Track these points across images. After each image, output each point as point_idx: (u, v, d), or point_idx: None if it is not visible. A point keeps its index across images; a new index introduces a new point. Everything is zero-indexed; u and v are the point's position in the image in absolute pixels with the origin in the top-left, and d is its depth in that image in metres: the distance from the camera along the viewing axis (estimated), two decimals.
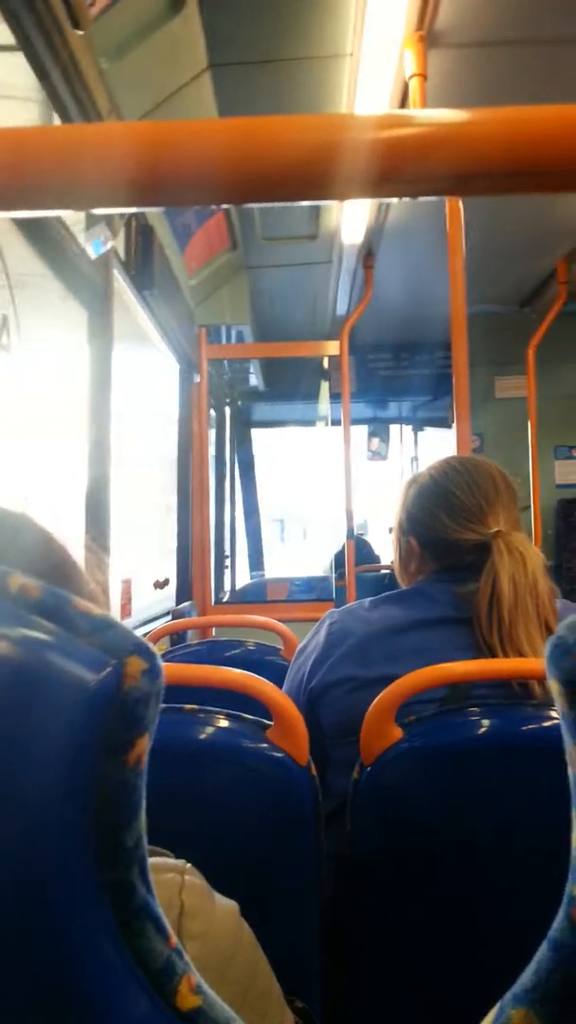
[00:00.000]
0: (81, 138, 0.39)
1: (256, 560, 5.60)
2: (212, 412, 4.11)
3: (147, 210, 0.40)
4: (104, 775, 0.30)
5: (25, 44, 1.38)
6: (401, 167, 0.37)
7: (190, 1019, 0.32)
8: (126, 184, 0.38)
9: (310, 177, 0.37)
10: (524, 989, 0.31)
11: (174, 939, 0.33)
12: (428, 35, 1.87)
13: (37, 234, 1.56)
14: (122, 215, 1.98)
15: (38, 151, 0.38)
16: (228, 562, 4.95)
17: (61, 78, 1.51)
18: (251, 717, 0.98)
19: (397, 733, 0.95)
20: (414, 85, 1.86)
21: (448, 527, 1.18)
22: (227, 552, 4.90)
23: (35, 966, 0.30)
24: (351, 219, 2.85)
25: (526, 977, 0.32)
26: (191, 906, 0.53)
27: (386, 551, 5.40)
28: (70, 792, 0.30)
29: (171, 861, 0.57)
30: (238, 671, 0.96)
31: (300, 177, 0.37)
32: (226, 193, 0.39)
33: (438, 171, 0.37)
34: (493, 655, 1.06)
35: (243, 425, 5.44)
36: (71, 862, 0.30)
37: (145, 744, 0.31)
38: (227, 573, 4.90)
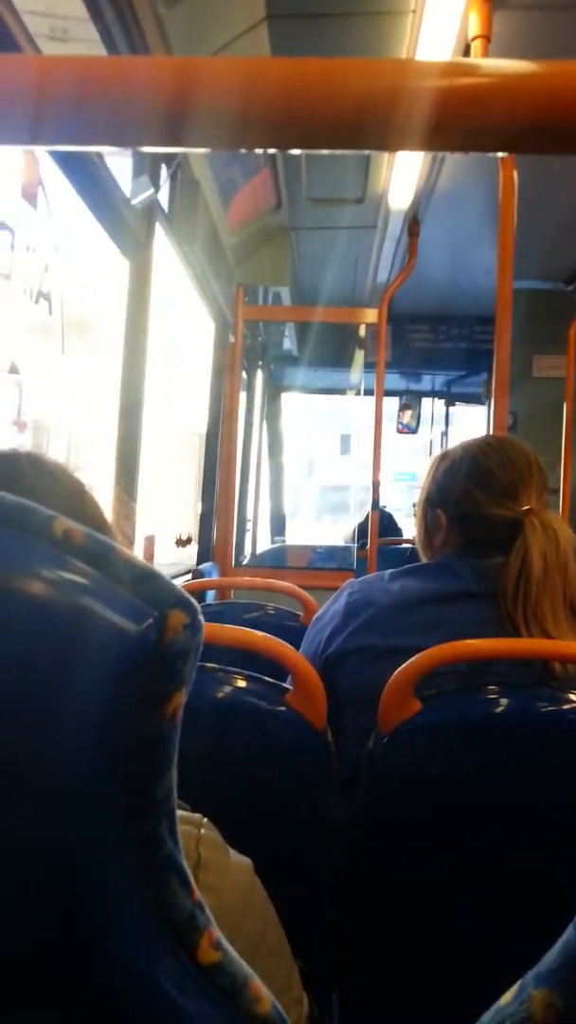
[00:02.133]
0: (131, 71, 0.37)
1: (278, 526, 5.60)
2: (244, 374, 4.08)
3: (194, 151, 0.39)
4: (140, 726, 0.30)
5: None
6: (459, 118, 0.35)
7: (209, 973, 0.32)
8: (174, 122, 0.36)
9: (365, 124, 0.36)
10: (548, 970, 0.31)
11: (197, 893, 0.33)
12: None
13: (83, 181, 1.54)
14: (168, 166, 1.95)
15: (85, 80, 0.36)
16: (250, 525, 4.95)
17: (115, 19, 1.48)
18: (271, 680, 0.98)
19: (416, 706, 0.94)
20: (476, 47, 1.80)
21: (480, 502, 1.17)
22: (250, 515, 4.90)
23: (62, 911, 0.30)
24: (399, 183, 2.79)
25: (550, 958, 0.31)
26: (207, 859, 0.54)
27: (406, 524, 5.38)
28: (105, 741, 0.30)
29: (188, 814, 0.57)
30: (261, 633, 0.96)
31: (355, 123, 0.36)
32: (274, 137, 0.37)
33: (499, 125, 0.35)
34: (516, 630, 1.06)
35: (274, 389, 5.40)
36: (103, 810, 0.30)
37: (181, 698, 0.31)
38: (248, 536, 4.91)
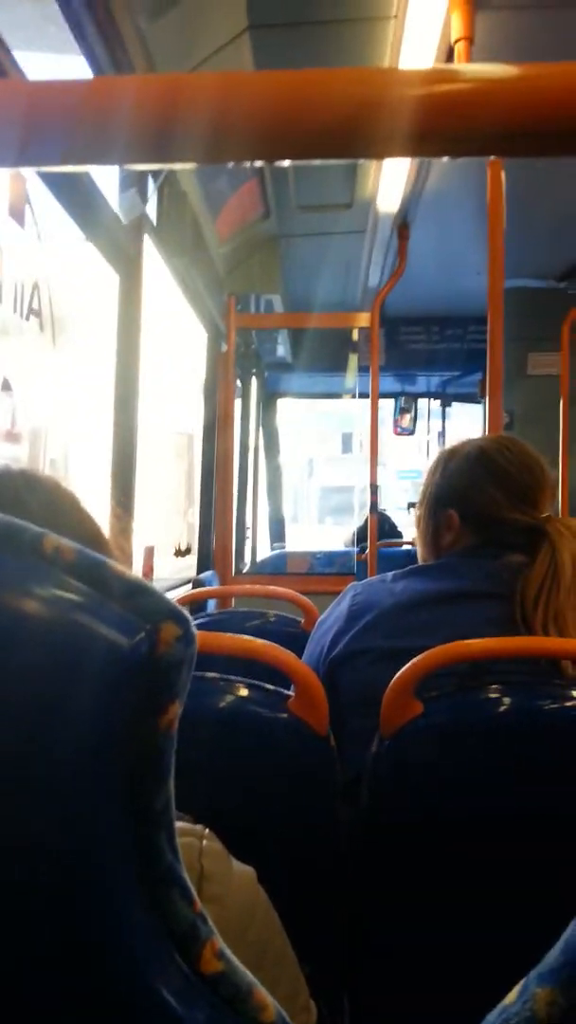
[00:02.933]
0: (113, 90, 0.38)
1: (277, 532, 5.60)
2: (238, 382, 4.09)
3: (180, 167, 0.39)
4: (135, 739, 0.30)
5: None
6: (444, 124, 0.35)
7: (212, 983, 0.32)
8: (161, 139, 0.37)
9: (351, 133, 0.36)
10: (551, 968, 0.31)
11: (198, 904, 0.33)
12: None
13: (71, 197, 1.54)
14: (155, 179, 1.96)
15: (71, 103, 0.37)
16: (249, 533, 4.95)
17: (97, 35, 1.49)
18: (272, 687, 0.98)
19: (417, 708, 0.94)
20: (460, 49, 1.80)
21: (501, 504, 1.17)
22: (248, 523, 4.90)
23: (63, 926, 0.30)
24: (388, 187, 2.80)
25: (553, 957, 0.31)
26: (210, 870, 0.54)
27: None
28: (101, 755, 0.30)
29: (190, 825, 0.57)
30: (262, 641, 0.96)
31: (340, 133, 0.36)
32: (263, 150, 0.38)
33: (483, 129, 0.36)
34: (530, 631, 1.05)
35: (269, 396, 5.41)
36: (101, 824, 0.30)
37: (176, 710, 0.31)
38: (248, 544, 4.91)
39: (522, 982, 0.33)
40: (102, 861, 0.30)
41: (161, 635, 0.30)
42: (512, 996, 0.33)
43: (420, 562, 1.28)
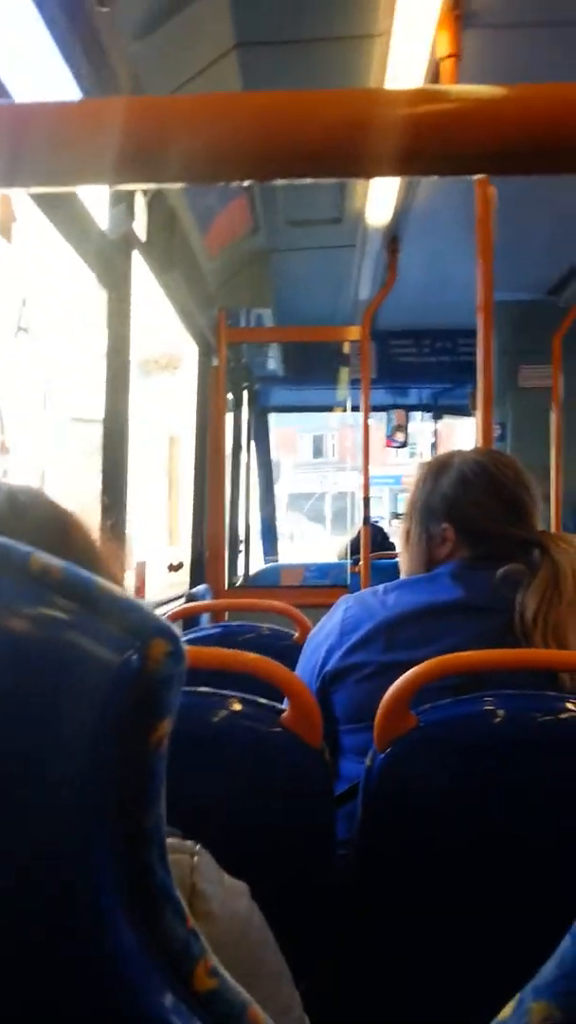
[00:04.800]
0: (101, 112, 0.38)
1: (270, 546, 5.60)
2: (230, 396, 4.09)
3: (169, 187, 0.39)
4: (126, 757, 0.30)
5: (48, 18, 1.37)
6: (432, 144, 0.36)
7: (206, 1001, 0.32)
8: (148, 160, 0.37)
9: (338, 153, 0.37)
10: (546, 982, 0.31)
11: (191, 921, 0.33)
12: (463, 14, 1.82)
13: (59, 215, 1.55)
14: (144, 195, 1.97)
15: (59, 124, 0.37)
16: (243, 547, 4.95)
17: (83, 55, 1.50)
18: (266, 701, 0.98)
19: (412, 721, 0.94)
20: (447, 67, 1.82)
21: (499, 520, 1.17)
22: (242, 537, 4.90)
23: (54, 946, 0.30)
24: (377, 201, 2.82)
25: (548, 970, 0.31)
26: (201, 887, 0.53)
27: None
28: (92, 773, 0.30)
29: (180, 842, 0.57)
30: (255, 655, 0.96)
31: (328, 153, 0.37)
32: (251, 170, 0.38)
33: (470, 148, 0.36)
34: (528, 642, 1.05)
35: (260, 410, 5.43)
36: (92, 842, 0.30)
37: (167, 727, 0.31)
38: (241, 558, 4.90)
39: (517, 996, 0.32)
40: (93, 880, 0.30)
41: (150, 652, 0.30)
42: (508, 1011, 0.32)
43: (404, 575, 1.27)
